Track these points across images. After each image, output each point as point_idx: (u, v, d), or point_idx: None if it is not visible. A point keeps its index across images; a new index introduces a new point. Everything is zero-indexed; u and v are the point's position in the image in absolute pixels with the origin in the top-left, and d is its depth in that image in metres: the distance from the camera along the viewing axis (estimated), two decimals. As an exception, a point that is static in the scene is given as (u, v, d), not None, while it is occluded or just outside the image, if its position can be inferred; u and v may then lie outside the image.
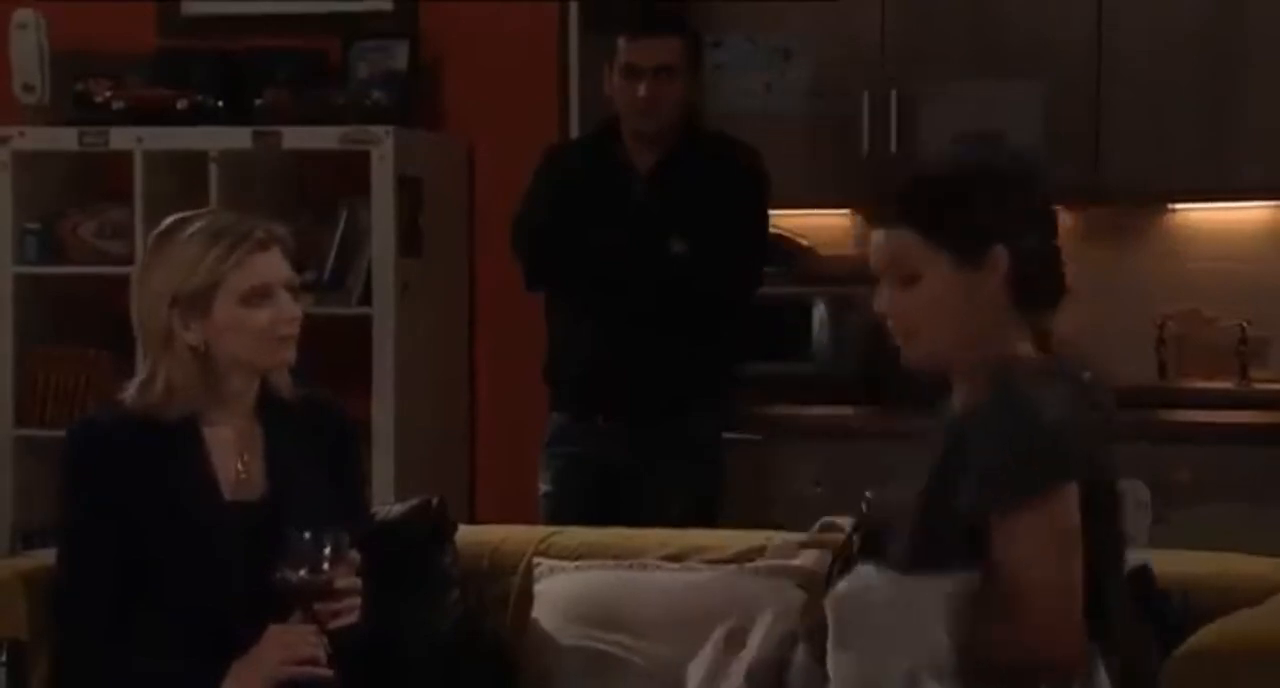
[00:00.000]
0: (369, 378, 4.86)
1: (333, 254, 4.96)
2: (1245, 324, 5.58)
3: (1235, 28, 5.44)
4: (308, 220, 5.03)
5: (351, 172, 4.88)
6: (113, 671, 2.75)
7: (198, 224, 2.88)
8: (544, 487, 4.37)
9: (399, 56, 5.10)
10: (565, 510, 4.25)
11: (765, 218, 4.40)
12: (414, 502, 3.14)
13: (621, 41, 4.29)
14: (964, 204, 2.53)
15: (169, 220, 2.94)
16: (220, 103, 5.01)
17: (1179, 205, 5.68)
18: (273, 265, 2.86)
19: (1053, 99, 5.52)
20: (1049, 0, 5.55)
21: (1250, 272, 5.70)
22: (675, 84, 4.28)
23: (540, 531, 3.24)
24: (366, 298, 4.89)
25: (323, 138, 4.86)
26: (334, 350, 4.96)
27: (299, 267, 4.79)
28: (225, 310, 2.82)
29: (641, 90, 4.24)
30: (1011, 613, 2.38)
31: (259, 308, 2.83)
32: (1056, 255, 2.58)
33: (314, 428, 2.97)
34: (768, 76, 5.21)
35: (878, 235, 2.58)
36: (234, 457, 2.87)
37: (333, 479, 2.93)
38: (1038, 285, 2.54)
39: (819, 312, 5.11)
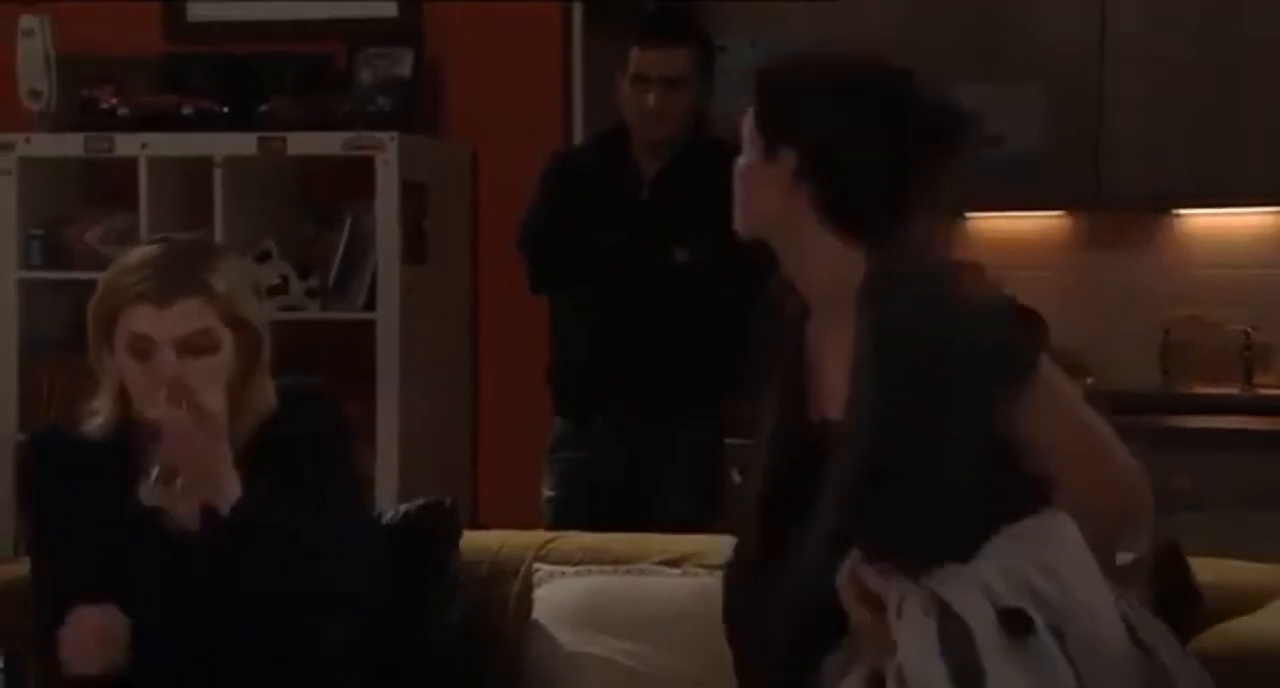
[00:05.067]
0: (373, 383, 4.87)
1: (337, 259, 4.98)
2: (1249, 329, 5.59)
3: (1235, 33, 5.45)
4: (312, 226, 5.08)
5: (356, 177, 4.89)
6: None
7: (135, 256, 2.70)
8: (547, 492, 4.38)
9: (403, 63, 5.11)
10: (568, 515, 4.26)
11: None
12: (427, 501, 3.14)
13: (633, 51, 4.30)
14: (773, 88, 2.50)
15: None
16: (225, 108, 5.02)
17: (1181, 211, 5.69)
18: (160, 320, 2.61)
19: (1054, 104, 5.53)
20: (1051, 5, 5.56)
21: (1253, 277, 5.70)
22: (684, 94, 4.29)
23: (540, 535, 3.23)
24: (371, 303, 4.90)
25: (327, 144, 4.87)
26: (339, 355, 5.01)
27: (304, 272, 4.90)
28: (120, 352, 2.66)
29: (650, 100, 4.26)
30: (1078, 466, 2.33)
31: (138, 361, 2.63)
32: (884, 181, 2.43)
33: (274, 446, 2.73)
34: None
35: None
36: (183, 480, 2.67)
37: (293, 495, 2.69)
38: (847, 202, 2.43)
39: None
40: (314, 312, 4.97)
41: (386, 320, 4.84)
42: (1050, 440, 2.33)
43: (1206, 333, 5.68)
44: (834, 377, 2.43)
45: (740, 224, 2.51)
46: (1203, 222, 5.74)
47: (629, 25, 4.53)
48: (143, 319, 2.60)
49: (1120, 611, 2.27)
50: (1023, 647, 2.18)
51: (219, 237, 4.89)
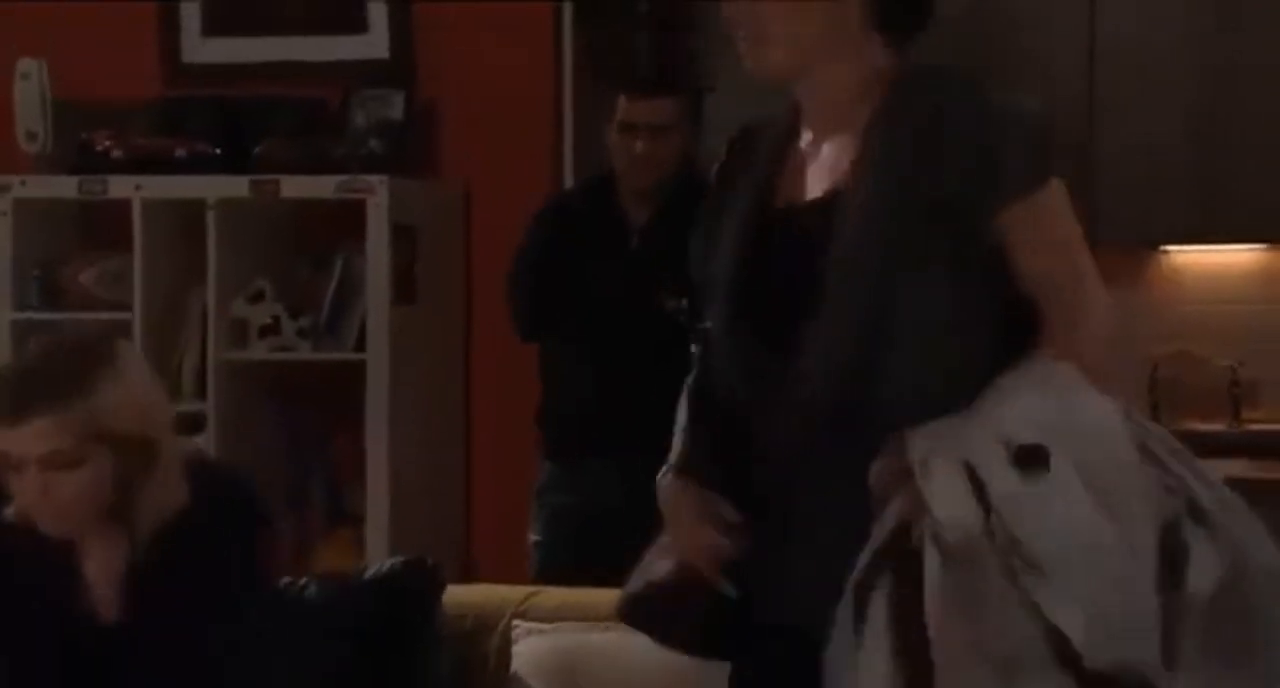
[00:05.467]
0: (364, 423, 4.91)
1: (328, 300, 5.02)
2: (1236, 365, 5.64)
3: (1226, 73, 5.49)
4: (305, 267, 5.12)
5: (348, 219, 4.93)
6: None
7: (7, 366, 2.73)
8: (534, 536, 4.41)
9: (395, 105, 5.16)
10: (555, 560, 4.31)
11: None
12: (409, 558, 3.19)
13: (620, 99, 4.33)
14: None
15: None
16: (219, 151, 5.06)
17: (1170, 248, 5.73)
18: (15, 439, 2.55)
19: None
20: (1041, 45, 5.61)
21: (1241, 313, 5.75)
22: (671, 142, 4.32)
23: (521, 591, 3.26)
24: (361, 344, 4.94)
25: (319, 187, 4.91)
26: (331, 394, 5.06)
27: (296, 312, 4.95)
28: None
29: (638, 147, 4.29)
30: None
31: (15, 476, 2.59)
32: None
33: (181, 544, 2.66)
34: (763, 103, 5.26)
35: None
36: (95, 582, 2.66)
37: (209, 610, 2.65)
38: (898, 6, 2.39)
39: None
40: (306, 352, 5.02)
41: (376, 361, 4.88)
42: (1041, 272, 2.28)
43: (1195, 369, 5.72)
44: (816, 166, 2.40)
45: (777, 58, 2.37)
46: (1191, 258, 5.78)
47: (617, 74, 4.58)
48: (1, 438, 2.57)
49: (1130, 429, 2.22)
50: (1040, 480, 2.14)
51: (212, 278, 4.97)
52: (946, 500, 2.15)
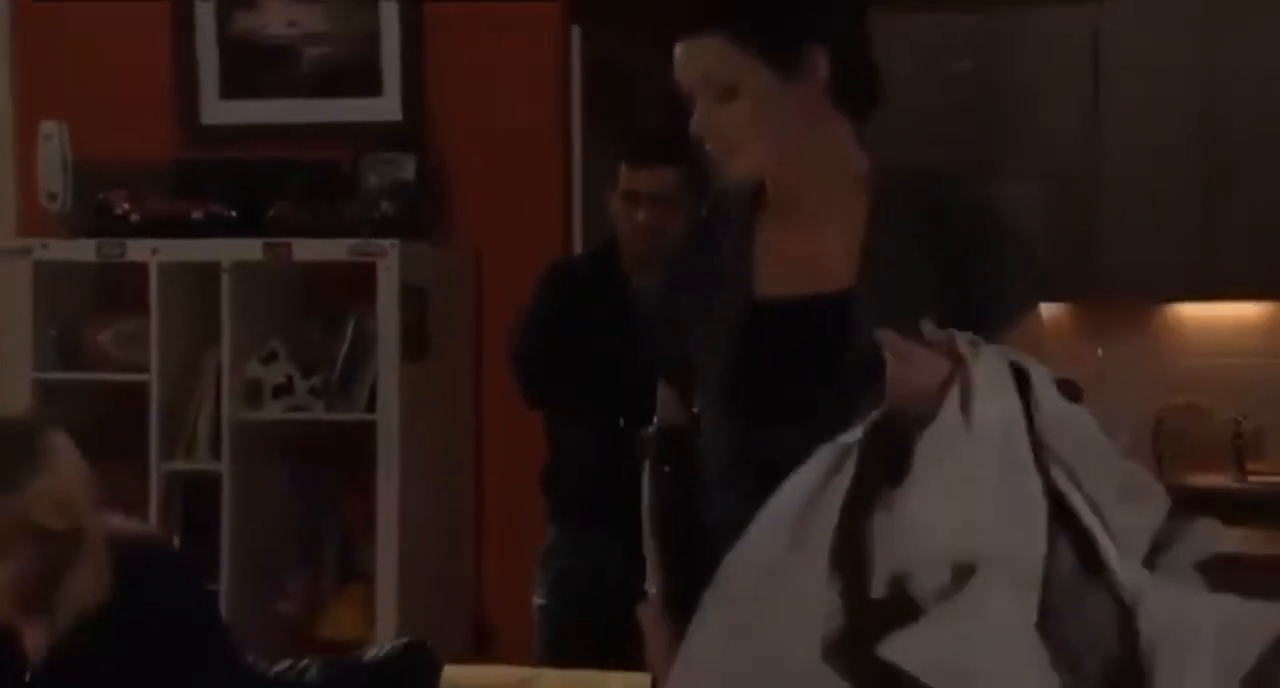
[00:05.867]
0: (375, 482, 4.96)
1: (340, 361, 5.07)
2: (1240, 418, 5.70)
3: (1226, 132, 5.55)
4: (317, 328, 5.17)
5: (360, 280, 4.99)
6: None
7: None
8: (538, 600, 4.44)
9: (407, 168, 5.21)
10: (560, 624, 4.36)
11: None
12: (408, 641, 3.26)
13: (623, 168, 4.38)
14: (768, 2, 2.35)
15: None
16: (233, 213, 5.14)
17: (1173, 303, 5.80)
18: None
19: (1051, 200, 5.64)
20: (1048, 106, 5.67)
21: (1245, 366, 5.82)
22: (674, 211, 4.32)
23: (517, 674, 3.33)
24: (373, 404, 4.99)
25: (331, 250, 4.98)
26: (342, 454, 5.12)
27: (308, 372, 5.02)
28: None
29: (640, 216, 4.33)
30: None
31: None
32: (869, 49, 2.42)
33: (117, 637, 2.66)
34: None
35: (681, 49, 2.37)
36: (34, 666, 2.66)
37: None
38: (859, 86, 2.39)
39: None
40: (318, 412, 5.07)
41: (386, 422, 4.94)
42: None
43: (1199, 421, 5.78)
44: (797, 257, 2.41)
45: (749, 166, 2.39)
46: (1196, 312, 5.85)
47: (620, 142, 4.63)
48: None
49: None
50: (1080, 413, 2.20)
51: (227, 338, 5.04)
52: (993, 386, 2.17)
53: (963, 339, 2.21)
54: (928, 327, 2.21)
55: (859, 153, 2.43)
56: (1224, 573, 3.93)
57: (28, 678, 2.66)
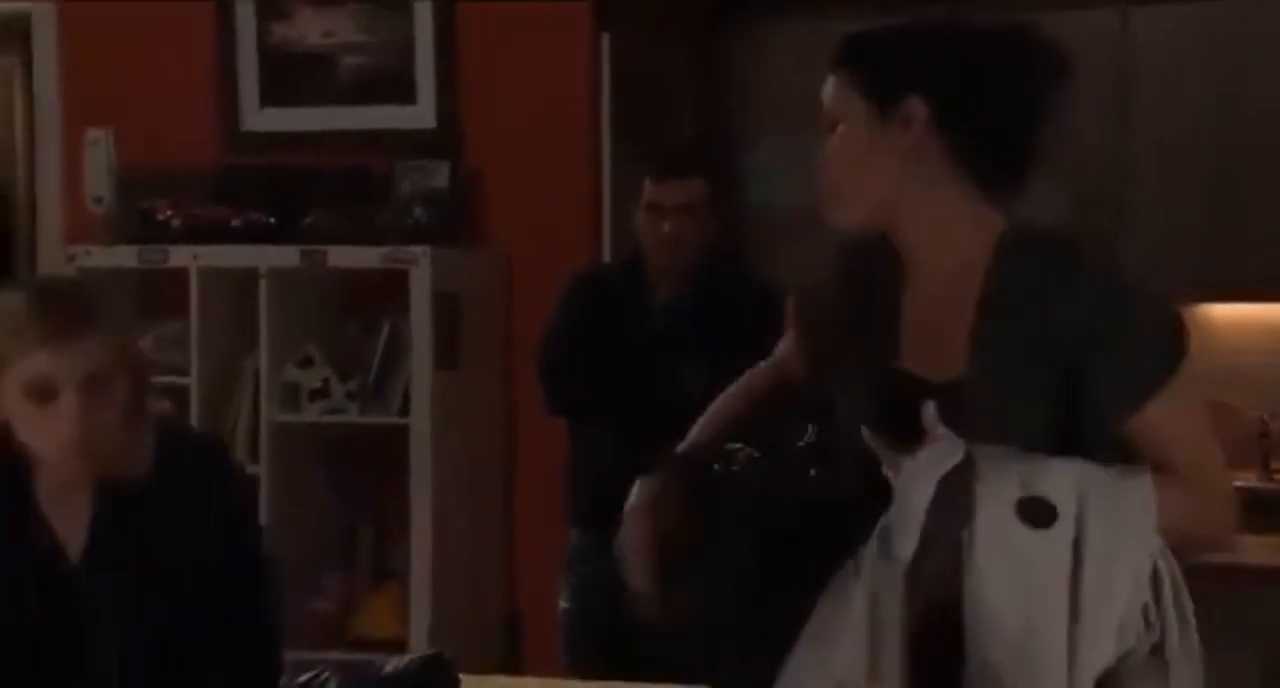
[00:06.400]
0: (408, 484, 5.06)
1: (375, 365, 5.18)
2: (1267, 417, 5.74)
3: (1250, 133, 5.58)
4: (353, 333, 5.28)
5: (394, 285, 5.09)
6: None
7: (10, 302, 2.53)
8: (563, 603, 4.53)
9: (440, 175, 5.31)
10: (582, 628, 4.44)
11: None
12: (425, 654, 3.35)
13: (646, 181, 4.46)
14: (880, 45, 2.31)
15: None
16: (272, 220, 5.25)
17: (1200, 304, 5.83)
18: (61, 360, 2.45)
19: (1076, 201, 5.68)
20: (1074, 108, 5.71)
21: (1271, 365, 5.85)
22: (696, 222, 4.41)
23: (534, 684, 3.43)
24: (407, 408, 5.09)
25: (365, 257, 5.09)
26: (377, 456, 5.23)
27: (344, 376, 5.13)
28: (11, 396, 2.50)
29: (664, 228, 4.40)
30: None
31: (37, 405, 2.47)
32: (1017, 126, 2.28)
33: (171, 513, 2.66)
34: (803, 174, 5.41)
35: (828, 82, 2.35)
36: (60, 520, 2.63)
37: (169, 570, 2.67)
38: (981, 150, 2.27)
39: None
40: (353, 415, 5.18)
41: (419, 426, 5.04)
42: (1165, 440, 2.20)
43: (1225, 420, 5.81)
44: (933, 337, 2.31)
45: (847, 213, 2.32)
46: (1222, 313, 5.88)
47: (644, 155, 4.70)
48: (39, 361, 2.45)
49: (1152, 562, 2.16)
50: (1030, 535, 2.10)
51: (264, 343, 5.15)
52: (917, 472, 2.12)
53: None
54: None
55: (984, 219, 2.30)
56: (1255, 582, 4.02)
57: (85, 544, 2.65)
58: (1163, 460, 2.19)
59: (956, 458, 2.13)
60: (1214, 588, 3.79)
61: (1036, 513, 2.11)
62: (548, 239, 5.28)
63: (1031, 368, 2.22)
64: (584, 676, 4.05)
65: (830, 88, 2.32)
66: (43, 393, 2.46)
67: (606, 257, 5.26)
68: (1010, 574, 2.10)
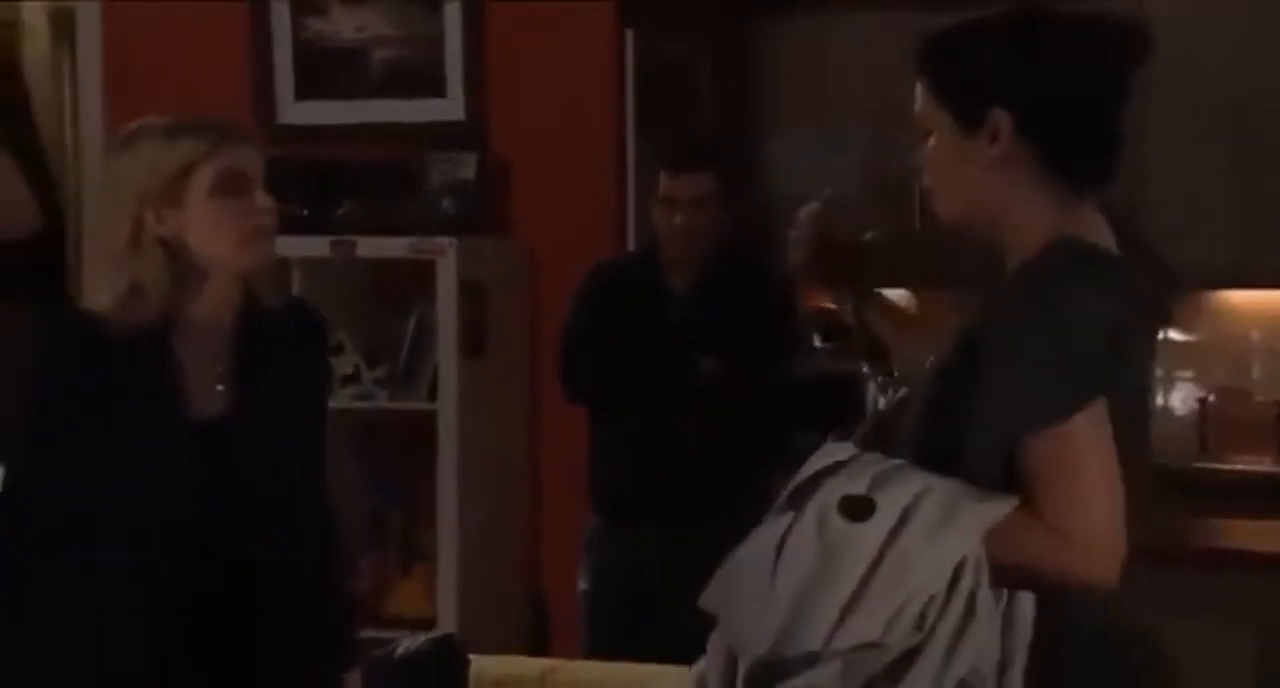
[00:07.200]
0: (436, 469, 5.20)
1: (404, 352, 5.33)
2: (1280, 401, 5.81)
3: (1273, 118, 5.62)
4: (382, 321, 5.41)
5: (422, 275, 5.22)
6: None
7: (166, 119, 2.76)
8: (582, 585, 4.65)
9: (468, 166, 5.43)
10: (601, 611, 4.57)
11: (796, 345, 4.71)
12: (437, 637, 3.51)
13: (661, 175, 4.58)
14: (958, 49, 2.31)
15: (136, 123, 2.80)
16: (305, 211, 5.37)
17: (1219, 290, 5.89)
18: (247, 156, 2.75)
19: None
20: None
21: (1287, 350, 5.92)
22: (709, 215, 4.53)
23: (542, 664, 3.56)
24: (435, 394, 5.22)
25: (393, 248, 5.22)
26: (407, 441, 5.36)
27: (373, 363, 5.27)
28: (196, 202, 2.71)
29: (677, 220, 4.52)
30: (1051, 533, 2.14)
31: (230, 198, 2.72)
32: (1103, 123, 2.28)
33: (292, 345, 2.90)
34: (823, 161, 5.53)
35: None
36: (201, 370, 2.77)
37: (301, 404, 2.89)
38: (1070, 157, 2.27)
39: (873, 390, 5.38)
40: (383, 401, 5.33)
41: (446, 412, 5.17)
42: (1038, 477, 2.15)
43: (1242, 405, 5.89)
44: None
45: (943, 211, 2.36)
46: (1239, 297, 5.94)
47: (658, 150, 4.82)
48: (231, 157, 2.72)
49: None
50: (843, 529, 2.16)
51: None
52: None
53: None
54: None
55: (1051, 228, 2.28)
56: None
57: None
58: (1032, 496, 2.16)
59: (840, 457, 2.24)
60: (1227, 574, 3.97)
61: (858, 509, 2.17)
62: (572, 230, 5.39)
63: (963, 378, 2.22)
64: (603, 656, 4.19)
65: (918, 94, 2.34)
66: (237, 185, 2.72)
67: (630, 247, 5.36)
68: (813, 555, 2.19)
